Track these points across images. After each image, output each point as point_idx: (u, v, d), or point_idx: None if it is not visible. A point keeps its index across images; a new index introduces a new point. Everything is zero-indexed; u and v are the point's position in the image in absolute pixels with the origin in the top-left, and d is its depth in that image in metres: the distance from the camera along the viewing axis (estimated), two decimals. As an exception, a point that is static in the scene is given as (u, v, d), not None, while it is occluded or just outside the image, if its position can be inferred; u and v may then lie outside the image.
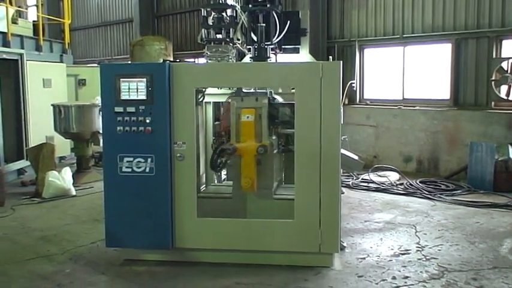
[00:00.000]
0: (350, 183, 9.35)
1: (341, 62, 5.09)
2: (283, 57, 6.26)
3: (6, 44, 10.80)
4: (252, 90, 5.58)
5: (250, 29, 5.76)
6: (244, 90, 5.58)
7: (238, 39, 5.96)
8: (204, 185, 6.26)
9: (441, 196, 8.33)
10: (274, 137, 5.65)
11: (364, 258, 5.57)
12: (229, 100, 5.61)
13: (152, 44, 14.33)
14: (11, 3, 11.69)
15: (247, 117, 5.38)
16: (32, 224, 7.06)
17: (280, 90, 5.92)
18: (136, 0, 17.24)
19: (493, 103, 9.63)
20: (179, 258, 5.38)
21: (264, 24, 5.67)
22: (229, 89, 5.79)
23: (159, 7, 17.23)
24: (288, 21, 5.96)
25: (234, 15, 5.83)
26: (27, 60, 10.65)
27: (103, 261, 5.51)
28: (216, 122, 6.35)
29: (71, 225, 6.98)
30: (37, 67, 11.17)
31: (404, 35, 10.88)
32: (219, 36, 5.82)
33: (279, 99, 5.79)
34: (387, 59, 11.47)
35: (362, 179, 9.60)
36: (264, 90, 5.59)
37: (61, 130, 9.69)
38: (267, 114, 5.44)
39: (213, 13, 5.86)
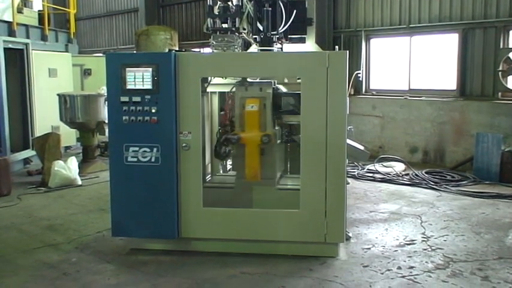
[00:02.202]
0: (355, 173, 9.34)
1: (347, 52, 5.07)
2: (289, 47, 6.24)
3: (11, 33, 10.82)
4: (257, 80, 5.56)
5: (256, 18, 5.74)
6: (248, 80, 5.57)
7: (244, 29, 5.93)
8: (210, 175, 6.26)
9: (447, 187, 8.32)
10: (277, 127, 5.64)
11: (369, 248, 5.57)
12: (234, 90, 5.61)
13: (158, 34, 14.31)
14: (16, -7, 11.67)
15: (252, 106, 5.38)
16: (38, 213, 7.10)
17: (285, 80, 5.91)
18: (142, -11, 17.21)
19: (499, 94, 9.57)
20: (185, 248, 5.40)
21: (270, 9, 5.64)
22: (233, 79, 5.78)
23: (165, -4, 17.19)
24: (294, 11, 5.93)
25: (240, 4, 5.80)
26: (32, 49, 10.65)
27: (109, 251, 5.54)
28: (221, 112, 6.35)
29: (77, 214, 7.01)
30: (42, 57, 11.17)
31: (411, 25, 10.81)
32: (225, 25, 5.80)
33: (283, 89, 5.78)
34: (394, 49, 11.41)
35: (367, 169, 9.59)
36: (269, 80, 5.57)
37: (67, 120, 9.70)
38: (271, 104, 5.44)
39: (219, 2, 5.84)
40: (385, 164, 9.77)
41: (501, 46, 9.50)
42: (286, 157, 6.30)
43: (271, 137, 5.36)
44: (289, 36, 6.11)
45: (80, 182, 8.76)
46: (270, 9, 5.62)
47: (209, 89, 5.91)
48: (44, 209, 7.29)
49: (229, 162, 6.61)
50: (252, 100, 5.41)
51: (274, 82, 5.66)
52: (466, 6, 9.96)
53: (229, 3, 5.81)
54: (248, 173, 5.44)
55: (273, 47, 5.74)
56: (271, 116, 5.46)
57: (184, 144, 5.14)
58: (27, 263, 5.24)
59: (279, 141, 5.67)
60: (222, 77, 5.75)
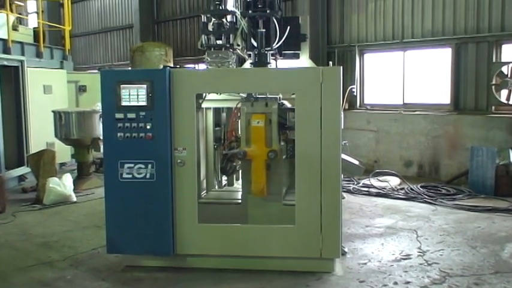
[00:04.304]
0: (351, 188, 9.34)
1: (341, 67, 5.09)
2: (283, 63, 6.27)
3: (6, 50, 10.84)
4: (262, 96, 5.55)
5: (250, 34, 5.77)
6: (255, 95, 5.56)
7: (238, 45, 5.96)
8: (205, 191, 6.26)
9: (442, 201, 8.32)
10: (282, 143, 5.63)
11: (365, 263, 5.56)
12: (240, 105, 5.61)
13: (152, 50, 14.35)
14: (11, 10, 11.73)
15: (258, 122, 5.36)
16: (33, 230, 7.06)
17: (280, 96, 5.92)
18: (137, 6, 17.30)
19: (493, 107, 9.64)
20: (180, 264, 5.38)
21: (264, 30, 5.68)
22: (229, 94, 5.80)
23: (159, 13, 17.27)
24: (288, 27, 5.97)
25: (234, 21, 5.84)
26: (27, 66, 10.67)
27: (104, 268, 5.51)
28: (217, 128, 6.36)
29: (72, 231, 6.98)
30: (37, 73, 11.18)
31: (404, 40, 10.90)
32: (219, 42, 5.82)
33: (287, 104, 5.76)
34: (387, 64, 11.48)
35: (363, 183, 9.59)
36: (275, 96, 5.56)
37: (62, 136, 9.69)
38: (277, 119, 5.43)
39: (213, 19, 5.87)
40: (380, 178, 9.78)
41: (494, 60, 9.58)
42: (292, 172, 6.29)
43: (277, 152, 5.34)
44: (283, 52, 6.13)
45: (75, 199, 8.72)
46: (264, 30, 5.64)
47: (204, 105, 5.93)
48: (39, 226, 7.26)
49: (224, 178, 6.60)
50: (258, 116, 5.39)
51: (280, 97, 5.67)
52: (458, 20, 10.05)
53: (224, 19, 5.84)
54: (254, 189, 5.41)
55: (267, 63, 5.75)
56: (277, 132, 5.45)
57: (179, 161, 5.14)
58: (22, 281, 5.20)
59: (284, 156, 5.65)
60: (217, 93, 5.77)
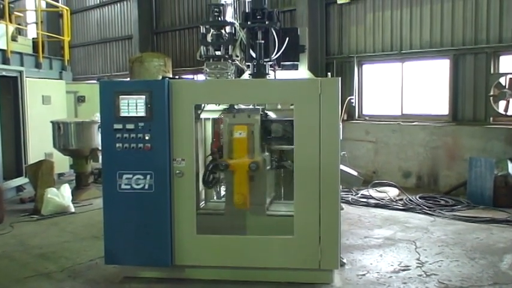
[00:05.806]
0: (349, 199, 9.33)
1: (340, 78, 5.11)
2: (282, 74, 6.28)
3: (5, 61, 10.84)
4: (244, 107, 5.57)
5: (249, 45, 5.79)
6: (236, 106, 5.59)
7: (237, 56, 5.98)
8: (204, 202, 6.25)
9: (441, 212, 8.31)
10: (267, 153, 5.64)
11: (364, 274, 5.54)
12: (222, 117, 5.63)
13: (151, 61, 14.40)
14: (10, 21, 11.74)
15: (240, 133, 5.38)
16: (30, 241, 7.04)
17: (279, 107, 5.94)
18: (136, 17, 17.37)
19: (491, 118, 9.65)
20: (179, 276, 5.36)
21: (263, 41, 5.69)
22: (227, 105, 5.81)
23: (158, 24, 17.33)
24: (287, 38, 5.99)
25: (233, 32, 5.86)
26: (26, 77, 10.67)
27: (102, 279, 5.48)
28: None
29: (69, 242, 6.95)
30: (36, 84, 11.19)
31: (403, 51, 10.94)
32: (218, 53, 5.85)
33: (272, 115, 5.79)
34: (386, 75, 11.51)
35: (361, 194, 9.58)
36: (257, 107, 5.58)
37: (60, 147, 9.68)
38: (259, 130, 5.45)
39: (212, 30, 5.89)
40: (378, 189, 9.77)
41: (492, 71, 9.61)
42: (280, 183, 6.28)
43: (259, 163, 5.34)
44: (282, 63, 6.15)
45: (73, 209, 8.70)
46: (263, 41, 5.66)
47: (202, 116, 5.93)
48: (37, 237, 7.23)
49: (223, 188, 6.59)
50: (240, 127, 5.42)
51: (263, 108, 5.68)
52: (456, 32, 10.10)
53: (222, 30, 5.86)
54: (237, 200, 5.42)
55: (265, 74, 5.76)
56: (260, 143, 5.46)
57: (177, 171, 5.13)
58: (19, 292, 5.18)
59: (268, 167, 5.66)
60: (215, 104, 5.78)
